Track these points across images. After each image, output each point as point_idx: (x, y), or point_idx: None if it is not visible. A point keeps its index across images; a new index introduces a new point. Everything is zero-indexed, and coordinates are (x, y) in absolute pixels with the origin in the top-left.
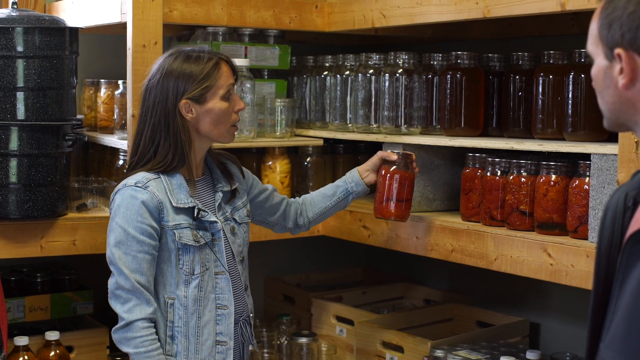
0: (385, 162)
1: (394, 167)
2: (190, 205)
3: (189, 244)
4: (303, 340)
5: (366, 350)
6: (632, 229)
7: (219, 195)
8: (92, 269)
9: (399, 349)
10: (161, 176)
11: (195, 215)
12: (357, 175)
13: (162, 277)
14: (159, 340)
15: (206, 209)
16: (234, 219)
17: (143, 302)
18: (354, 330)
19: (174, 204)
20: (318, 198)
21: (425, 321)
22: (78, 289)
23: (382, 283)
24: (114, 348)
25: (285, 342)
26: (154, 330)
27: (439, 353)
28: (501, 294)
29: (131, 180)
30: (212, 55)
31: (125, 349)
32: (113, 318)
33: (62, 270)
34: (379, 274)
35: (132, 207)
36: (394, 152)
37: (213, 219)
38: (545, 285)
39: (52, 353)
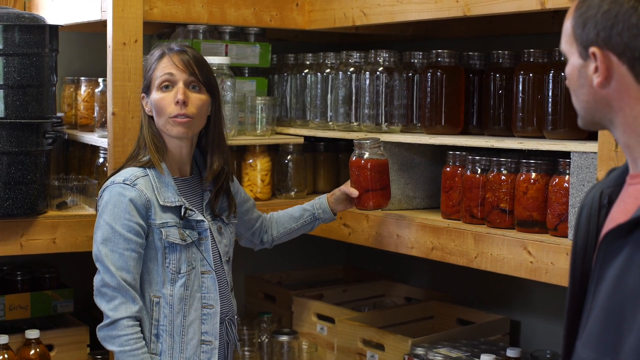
0: (357, 153)
1: (367, 156)
2: (178, 204)
3: (176, 242)
4: (284, 338)
5: (347, 348)
6: (607, 227)
7: (207, 194)
8: (73, 267)
9: (379, 346)
10: (149, 174)
11: (182, 214)
12: (326, 203)
13: (148, 275)
14: (144, 338)
15: (193, 208)
16: (222, 219)
17: (129, 300)
18: (335, 328)
19: (161, 202)
20: (285, 218)
21: (406, 319)
22: (58, 287)
23: (363, 281)
24: (94, 346)
25: (266, 340)
26: (139, 328)
27: (420, 351)
28: (482, 291)
29: (119, 177)
30: (165, 47)
31: (109, 347)
32: (94, 316)
33: (42, 268)
34: (360, 272)
35: (120, 204)
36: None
37: (200, 218)
38: (525, 283)
39: (32, 352)
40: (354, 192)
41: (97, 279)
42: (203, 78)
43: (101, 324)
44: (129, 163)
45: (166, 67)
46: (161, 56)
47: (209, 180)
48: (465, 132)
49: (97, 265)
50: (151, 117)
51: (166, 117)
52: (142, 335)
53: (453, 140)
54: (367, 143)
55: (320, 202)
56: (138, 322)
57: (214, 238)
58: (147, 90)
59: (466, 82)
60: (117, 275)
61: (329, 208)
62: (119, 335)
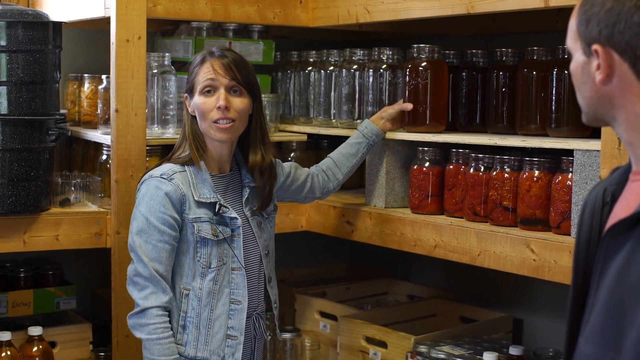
0: (419, 159)
1: (428, 163)
2: (212, 200)
3: (207, 237)
4: (287, 335)
5: (350, 345)
6: (610, 223)
7: (246, 190)
8: (76, 264)
9: (382, 344)
10: (187, 169)
11: (216, 210)
12: (375, 127)
13: (180, 268)
14: (172, 329)
15: (228, 205)
16: (261, 214)
17: (159, 291)
18: (338, 325)
19: (196, 198)
20: (342, 159)
21: (408, 317)
22: (61, 284)
23: (365, 279)
24: (97, 343)
25: (269, 337)
26: (168, 318)
27: (423, 348)
28: (485, 289)
29: (157, 171)
30: (206, 52)
31: (138, 334)
32: (96, 313)
33: (45, 265)
34: (363, 270)
35: (156, 197)
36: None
37: (234, 215)
38: (528, 281)
39: (35, 348)
40: (409, 106)
41: (130, 268)
42: (244, 81)
43: (131, 312)
44: (169, 159)
45: (208, 72)
46: (202, 61)
47: (255, 173)
48: (468, 129)
49: (131, 254)
50: (194, 117)
51: (209, 121)
52: (170, 325)
53: (456, 137)
54: (430, 150)
55: (369, 129)
56: (167, 313)
57: (252, 233)
58: (190, 92)
59: (469, 79)
60: (150, 266)
61: (379, 131)
62: (147, 323)
